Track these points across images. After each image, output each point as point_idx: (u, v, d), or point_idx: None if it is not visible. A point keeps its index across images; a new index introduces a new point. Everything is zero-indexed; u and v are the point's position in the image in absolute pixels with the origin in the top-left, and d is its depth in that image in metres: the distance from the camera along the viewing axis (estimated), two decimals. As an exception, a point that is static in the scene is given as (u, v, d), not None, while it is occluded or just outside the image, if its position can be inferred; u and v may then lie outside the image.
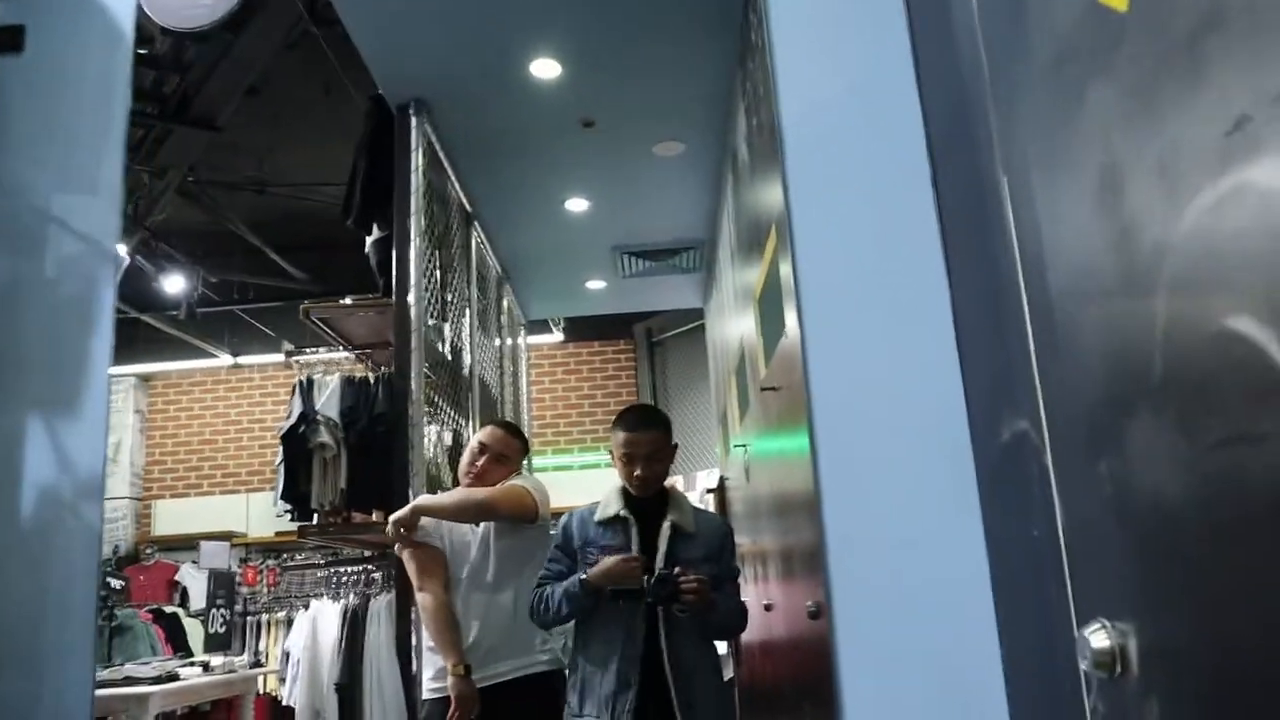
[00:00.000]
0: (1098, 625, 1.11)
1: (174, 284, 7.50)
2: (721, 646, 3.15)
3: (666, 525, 2.72)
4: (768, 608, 4.15)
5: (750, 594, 2.84)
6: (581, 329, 10.11)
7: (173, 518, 10.50)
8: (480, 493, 2.96)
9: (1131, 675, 1.07)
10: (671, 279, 6.53)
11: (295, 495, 3.83)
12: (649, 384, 10.45)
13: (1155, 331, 0.94)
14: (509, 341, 6.48)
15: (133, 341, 10.22)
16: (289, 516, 3.95)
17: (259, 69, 5.64)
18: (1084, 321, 1.13)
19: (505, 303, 6.33)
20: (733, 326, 5.07)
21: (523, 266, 6.09)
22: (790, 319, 2.91)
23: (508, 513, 2.93)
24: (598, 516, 2.77)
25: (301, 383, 3.84)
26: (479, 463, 3.04)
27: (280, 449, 3.87)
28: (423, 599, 2.99)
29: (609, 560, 2.62)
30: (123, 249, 2.58)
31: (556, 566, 2.79)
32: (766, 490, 3.94)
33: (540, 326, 9.25)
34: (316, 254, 8.64)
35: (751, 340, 4.12)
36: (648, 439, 2.74)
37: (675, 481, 3.15)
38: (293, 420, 3.78)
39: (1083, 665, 1.14)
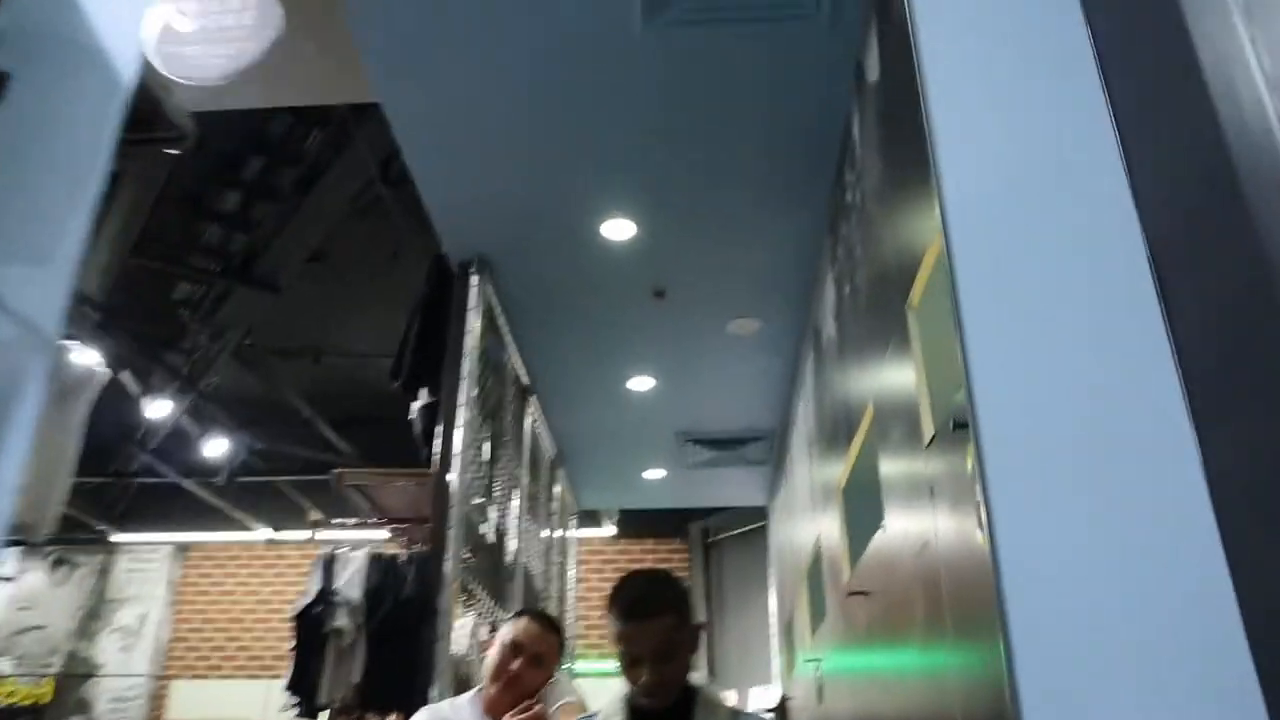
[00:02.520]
0: None
1: (216, 448, 7.23)
2: None
3: None
4: None
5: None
6: (635, 525, 9.62)
7: (189, 702, 9.89)
8: None
9: None
10: (735, 472, 6.11)
11: (304, 686, 3.33)
12: (703, 586, 9.83)
13: None
14: (558, 533, 6.04)
15: (171, 511, 9.94)
16: (295, 710, 3.43)
17: (325, 230, 5.53)
18: None
19: (557, 488, 5.93)
20: (805, 526, 4.60)
21: (579, 448, 5.72)
22: (891, 498, 2.46)
23: None
24: None
25: (324, 558, 3.41)
26: (513, 666, 2.50)
27: (294, 631, 3.40)
28: None
29: None
30: (100, 364, 2.23)
31: None
32: (849, 713, 3.36)
33: (591, 519, 8.80)
34: (369, 429, 8.38)
35: (832, 540, 3.65)
36: (656, 629, 1.88)
37: (722, 693, 2.38)
38: (309, 599, 3.33)
39: None
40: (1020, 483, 1.15)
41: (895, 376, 2.44)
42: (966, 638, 1.81)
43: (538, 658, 2.51)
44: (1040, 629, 1.10)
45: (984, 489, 1.16)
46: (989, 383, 1.21)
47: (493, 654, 2.54)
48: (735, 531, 9.50)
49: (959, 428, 1.73)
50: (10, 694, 9.80)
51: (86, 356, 2.32)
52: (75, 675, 10.00)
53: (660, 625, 1.87)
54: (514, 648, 2.50)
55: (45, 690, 9.89)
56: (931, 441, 2.05)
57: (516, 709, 2.42)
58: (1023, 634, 1.09)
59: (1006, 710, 1.07)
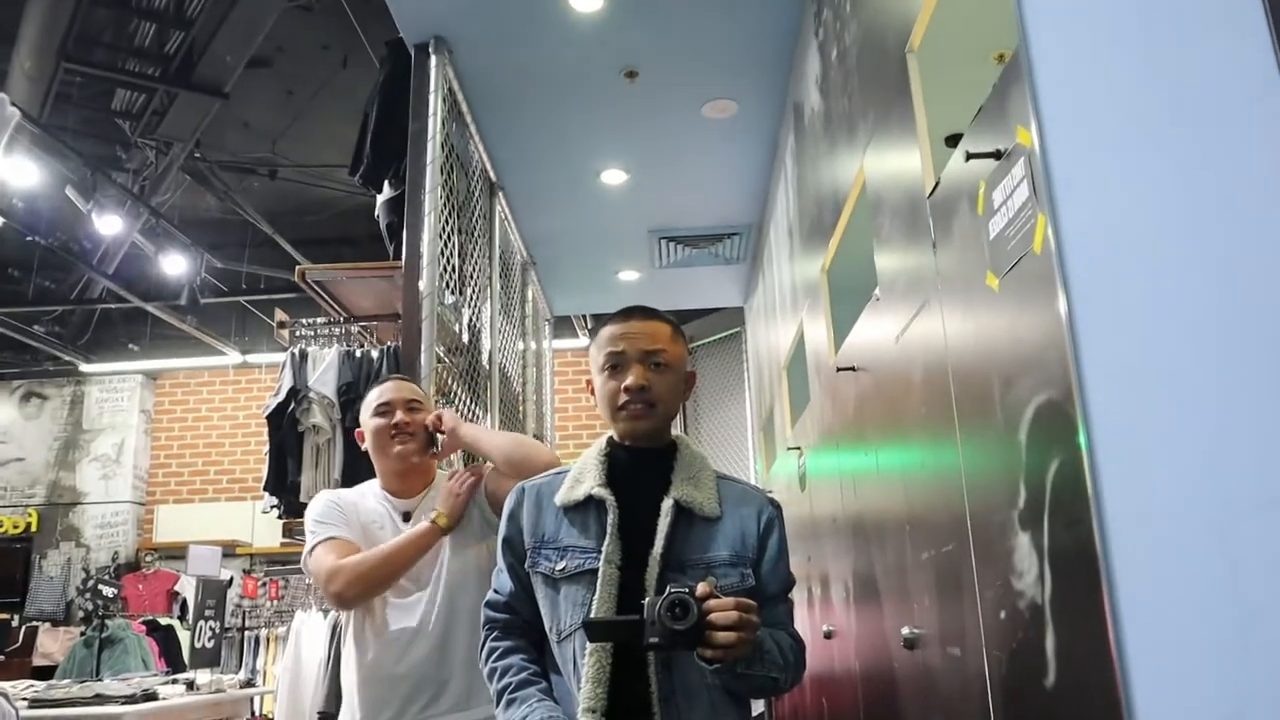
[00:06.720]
0: None
1: (174, 265, 6.99)
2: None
3: (668, 504, 1.66)
4: (828, 635, 3.57)
5: (800, 622, 2.09)
6: (609, 334, 9.53)
7: (175, 524, 9.99)
8: (529, 439, 2.25)
9: None
10: (710, 271, 6.00)
11: (284, 486, 3.27)
12: (679, 396, 9.85)
13: None
14: (533, 345, 5.95)
15: (141, 338, 9.76)
16: (276, 513, 3.38)
17: (268, 25, 5.14)
18: None
19: (530, 293, 5.80)
20: (785, 320, 4.52)
21: (550, 250, 5.55)
22: (885, 259, 2.32)
23: (544, 466, 2.10)
24: (560, 499, 1.73)
25: (294, 355, 3.29)
26: (394, 420, 2.20)
27: (267, 432, 3.31)
28: (341, 566, 2.10)
29: None
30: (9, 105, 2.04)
31: (508, 584, 1.76)
32: (834, 499, 3.36)
33: (564, 329, 8.72)
34: (332, 249, 8.16)
35: (816, 323, 3.56)
36: (653, 329, 1.75)
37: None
38: (280, 397, 3.23)
39: None
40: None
41: (891, 131, 2.28)
42: (976, 415, 1.73)
43: (409, 403, 2.25)
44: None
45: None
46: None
47: (369, 433, 2.25)
48: (708, 339, 9.47)
49: (973, 158, 1.59)
50: (-3, 524, 9.90)
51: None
52: (60, 504, 10.07)
53: (658, 326, 1.77)
54: (383, 409, 2.23)
55: (31, 520, 9.98)
56: (935, 189, 1.91)
57: (457, 477, 2.23)
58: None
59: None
